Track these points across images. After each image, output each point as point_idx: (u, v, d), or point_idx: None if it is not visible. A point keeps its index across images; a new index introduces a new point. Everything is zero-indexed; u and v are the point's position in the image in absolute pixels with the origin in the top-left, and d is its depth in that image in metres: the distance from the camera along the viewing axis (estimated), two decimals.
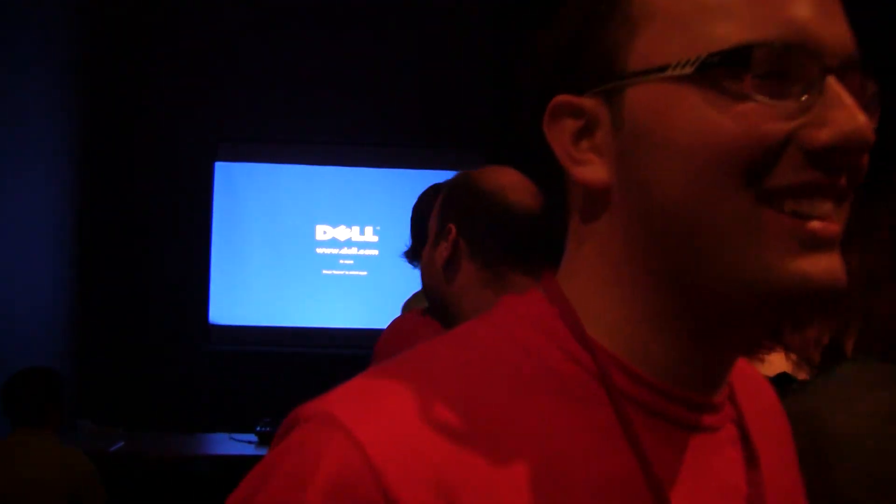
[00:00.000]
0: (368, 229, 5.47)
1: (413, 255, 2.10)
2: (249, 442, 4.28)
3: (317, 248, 5.47)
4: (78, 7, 5.06)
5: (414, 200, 2.11)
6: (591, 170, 0.54)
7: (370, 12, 5.37)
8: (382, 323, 2.21)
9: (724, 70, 0.48)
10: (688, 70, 0.49)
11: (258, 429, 4.31)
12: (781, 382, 1.48)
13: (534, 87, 0.57)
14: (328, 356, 5.05)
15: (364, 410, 0.49)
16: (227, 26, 5.33)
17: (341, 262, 5.47)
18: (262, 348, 5.34)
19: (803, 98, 0.49)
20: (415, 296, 2.81)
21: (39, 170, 4.55)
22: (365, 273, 5.43)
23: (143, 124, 5.35)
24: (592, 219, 0.55)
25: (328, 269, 5.46)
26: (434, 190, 2.06)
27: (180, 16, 5.34)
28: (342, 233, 5.48)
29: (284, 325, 5.38)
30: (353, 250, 5.48)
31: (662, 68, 0.50)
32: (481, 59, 5.41)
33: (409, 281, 2.10)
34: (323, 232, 5.48)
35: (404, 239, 2.10)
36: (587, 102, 0.53)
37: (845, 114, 0.48)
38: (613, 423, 0.52)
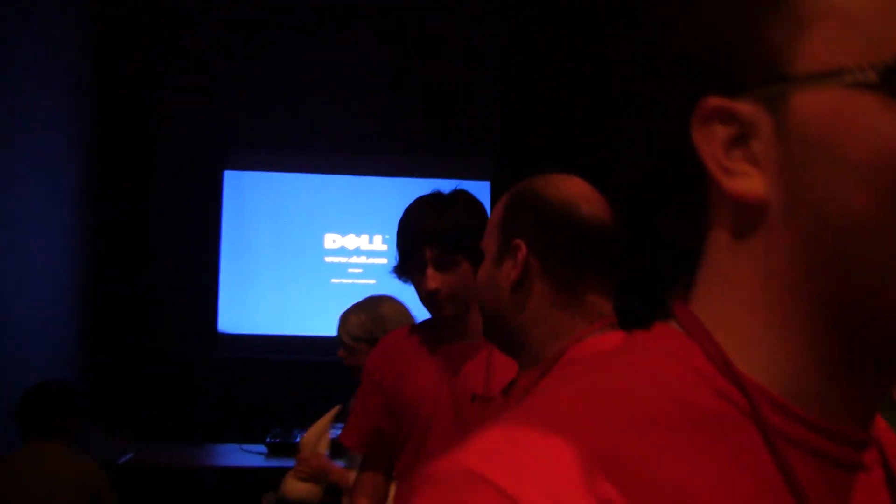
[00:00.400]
0: (377, 238, 5.46)
1: (402, 271, 2.04)
2: (259, 453, 4.26)
3: (325, 256, 5.46)
4: (89, 14, 5.07)
5: None
6: (748, 183, 0.48)
7: (382, 23, 5.37)
8: None
9: None
10: (870, 76, 0.43)
11: (268, 440, 4.30)
12: None
13: (675, 86, 0.50)
14: (338, 365, 5.03)
15: (509, 464, 0.43)
16: (238, 36, 5.34)
17: (350, 270, 5.45)
18: (272, 357, 5.33)
19: None
20: (353, 307, 2.81)
21: (49, 178, 4.55)
22: (374, 282, 5.39)
23: (152, 133, 5.35)
24: (747, 236, 0.49)
25: (337, 277, 5.44)
26: (420, 203, 1.98)
27: (192, 25, 5.34)
28: (351, 241, 5.47)
29: (293, 334, 5.36)
30: (362, 259, 5.46)
31: (838, 72, 0.44)
32: (494, 67, 5.40)
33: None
34: (332, 241, 5.46)
35: None
36: (744, 107, 0.48)
37: None
38: (772, 468, 0.47)
